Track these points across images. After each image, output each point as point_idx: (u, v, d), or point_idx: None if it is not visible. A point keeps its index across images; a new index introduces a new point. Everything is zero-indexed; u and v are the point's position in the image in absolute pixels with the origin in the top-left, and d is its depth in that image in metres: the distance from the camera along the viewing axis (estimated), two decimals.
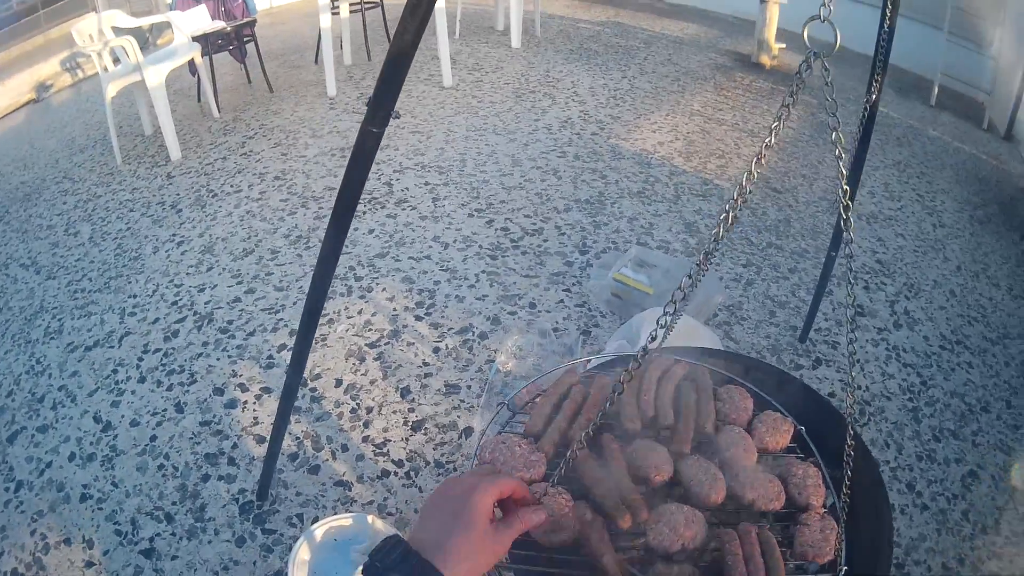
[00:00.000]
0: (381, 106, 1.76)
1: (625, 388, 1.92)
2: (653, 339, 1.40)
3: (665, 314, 1.40)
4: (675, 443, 1.80)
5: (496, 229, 4.94)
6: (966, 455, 3.55)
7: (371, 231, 4.86)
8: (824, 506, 1.71)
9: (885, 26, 2.90)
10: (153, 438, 3.27)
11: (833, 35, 1.29)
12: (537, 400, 1.97)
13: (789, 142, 6.94)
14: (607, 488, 1.64)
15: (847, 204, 1.42)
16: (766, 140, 1.34)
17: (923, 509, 3.21)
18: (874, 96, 3.15)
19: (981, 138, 8.38)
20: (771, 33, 9.53)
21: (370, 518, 2.28)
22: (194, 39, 6.70)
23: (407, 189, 5.45)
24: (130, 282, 4.45)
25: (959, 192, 6.53)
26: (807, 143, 7.03)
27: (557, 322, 4.05)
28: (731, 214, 1.33)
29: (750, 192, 1.35)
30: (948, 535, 3.11)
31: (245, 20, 7.47)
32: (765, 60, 9.63)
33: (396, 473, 3.10)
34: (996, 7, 9.35)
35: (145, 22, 7.12)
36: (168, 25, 7.58)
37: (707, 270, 1.40)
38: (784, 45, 9.71)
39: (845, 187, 1.38)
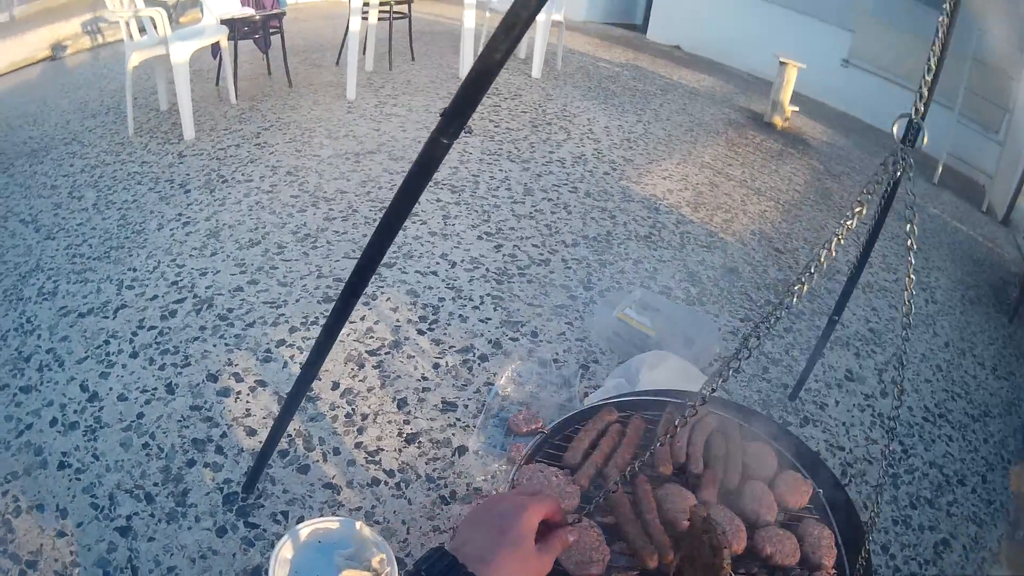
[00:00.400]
0: (457, 119, 1.74)
1: (660, 432, 1.97)
2: (713, 390, 1.45)
3: (729, 365, 1.41)
4: (703, 491, 1.86)
5: (504, 254, 4.93)
6: (940, 523, 3.63)
7: None
8: (834, 567, 1.76)
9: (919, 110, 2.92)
10: (140, 415, 3.22)
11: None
12: (576, 434, 2.01)
13: (794, 204, 7.04)
14: (637, 527, 1.69)
15: (909, 308, 1.47)
16: (847, 222, 1.38)
17: (895, 571, 3.28)
18: (899, 173, 3.16)
19: (979, 220, 8.58)
20: (786, 95, 9.64)
21: (358, 524, 2.23)
22: (222, 22, 6.69)
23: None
24: (131, 255, 4.41)
25: (953, 271, 6.67)
26: (812, 206, 7.12)
27: (557, 353, 4.05)
28: (804, 286, 1.35)
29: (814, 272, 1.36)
30: None
31: (274, 11, 7.48)
32: (777, 121, 9.72)
33: (387, 483, 3.06)
34: (1006, 93, 9.48)
35: None
36: (193, 4, 7.57)
37: (763, 337, 1.42)
38: (797, 108, 9.83)
39: (911, 288, 1.42)
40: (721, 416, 2.17)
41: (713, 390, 1.44)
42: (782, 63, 9.49)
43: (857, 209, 1.38)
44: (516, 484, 1.76)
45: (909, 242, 1.39)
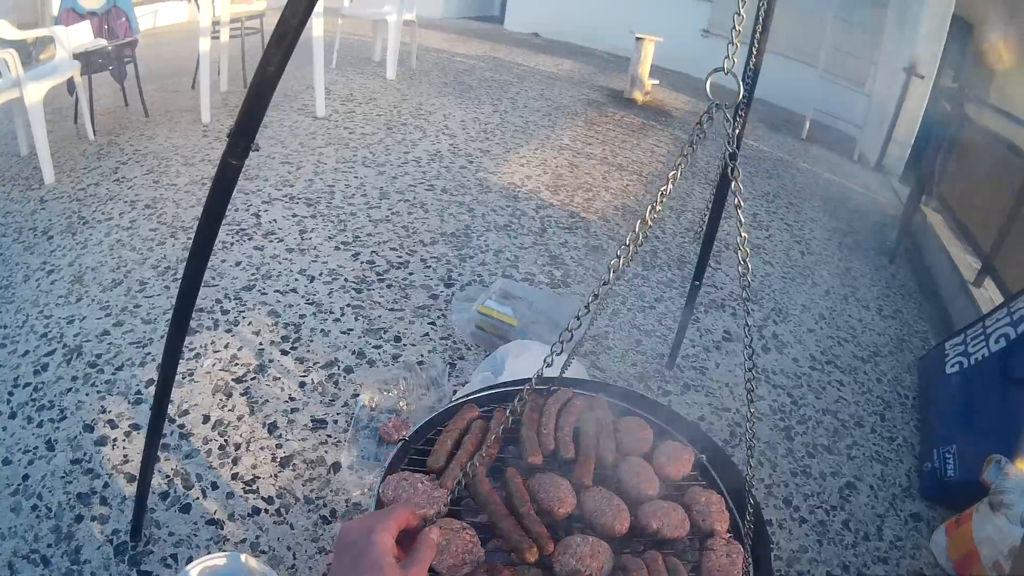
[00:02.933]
0: (242, 138, 1.79)
1: (526, 422, 2.00)
2: (539, 375, 1.52)
3: (558, 344, 1.52)
4: (577, 475, 1.87)
5: (362, 262, 5.03)
6: (842, 468, 3.78)
7: (238, 263, 4.89)
8: (728, 531, 1.79)
9: (751, 64, 3.14)
10: (26, 476, 3.24)
11: (736, 86, 1.44)
12: (439, 436, 1.98)
13: (657, 175, 7.22)
14: (512, 522, 1.68)
15: (746, 252, 1.54)
16: (662, 188, 1.47)
17: (801, 522, 3.40)
18: (738, 130, 3.38)
19: (852, 169, 8.93)
20: (645, 69, 9.86)
21: (243, 557, 2.31)
22: (76, 56, 6.61)
23: (275, 221, 5.50)
24: (0, 312, 4.40)
25: (828, 221, 6.94)
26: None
27: (423, 355, 4.16)
28: (622, 259, 1.47)
29: (641, 240, 1.49)
30: (830, 545, 3.30)
31: (127, 40, 7.39)
32: (638, 96, 9.96)
33: (267, 510, 3.13)
34: (871, 46, 9.87)
35: (30, 35, 6.99)
36: (51, 40, 7.49)
37: (599, 309, 1.50)
38: (657, 81, 10.04)
39: (743, 234, 1.49)
40: (589, 397, 2.18)
41: (539, 375, 1.50)
42: (638, 39, 9.73)
43: (671, 173, 1.48)
44: (383, 496, 1.70)
45: (737, 200, 1.47)
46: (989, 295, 5.41)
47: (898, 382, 4.65)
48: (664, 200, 1.51)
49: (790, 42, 11.02)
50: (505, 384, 2.39)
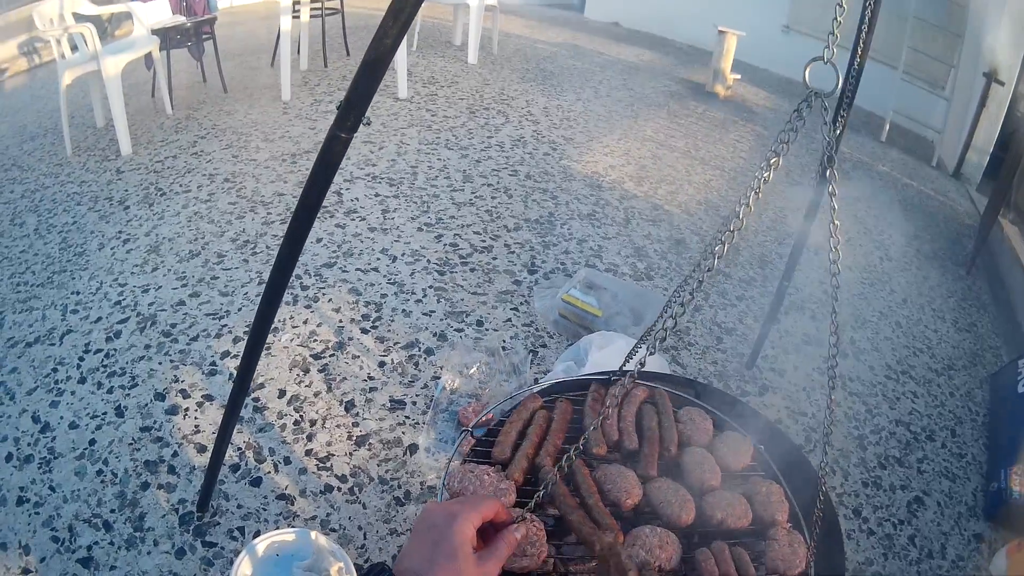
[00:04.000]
0: (353, 111, 1.74)
1: (589, 413, 1.98)
2: (642, 365, 1.43)
3: (647, 341, 1.41)
4: (642, 467, 1.83)
5: (445, 244, 4.94)
6: (911, 482, 3.65)
7: (319, 240, 4.83)
8: (788, 520, 1.75)
9: (855, 65, 2.98)
10: (92, 442, 3.20)
11: (835, 77, 1.31)
12: (502, 427, 1.96)
13: (740, 171, 7.07)
14: (581, 515, 1.64)
15: (837, 254, 1.47)
16: (762, 176, 1.39)
17: (869, 534, 3.29)
18: (838, 130, 3.23)
19: (929, 175, 8.63)
20: (727, 63, 9.67)
21: (313, 534, 2.24)
22: (153, 32, 6.62)
23: (357, 199, 5.43)
24: (74, 278, 4.37)
25: (906, 227, 6.70)
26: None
27: (505, 341, 4.06)
28: (725, 245, 1.36)
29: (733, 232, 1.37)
30: (895, 559, 3.20)
31: (205, 17, 7.43)
32: (719, 90, 9.77)
33: (339, 488, 3.06)
34: (950, 49, 9.60)
35: (106, 10, 7.01)
36: (128, 16, 7.49)
37: (691, 302, 1.42)
38: (739, 76, 9.86)
39: (836, 222, 1.40)
40: (648, 387, 2.15)
41: (642, 365, 1.43)
42: (721, 32, 9.55)
43: (772, 160, 1.39)
44: (448, 488, 1.69)
45: (830, 187, 1.39)
46: None
47: (970, 397, 4.48)
48: (758, 197, 1.44)
49: (871, 41, 10.76)
50: (577, 376, 2.39)
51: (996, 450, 4.00)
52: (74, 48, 6.04)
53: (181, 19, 7.11)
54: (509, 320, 4.25)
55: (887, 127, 9.77)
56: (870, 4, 2.69)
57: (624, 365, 2.23)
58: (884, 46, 10.21)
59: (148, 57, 6.66)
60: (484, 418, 3.06)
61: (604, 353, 3.39)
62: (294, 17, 7.46)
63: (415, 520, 1.10)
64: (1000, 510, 3.54)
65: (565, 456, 1.45)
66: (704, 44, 11.42)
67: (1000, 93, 8.31)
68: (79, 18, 6.12)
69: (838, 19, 1.27)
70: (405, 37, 5.41)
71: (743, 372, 4.17)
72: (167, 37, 6.89)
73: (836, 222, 1.39)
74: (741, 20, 10.05)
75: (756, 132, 8.63)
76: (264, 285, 4.16)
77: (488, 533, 1.22)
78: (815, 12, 11.30)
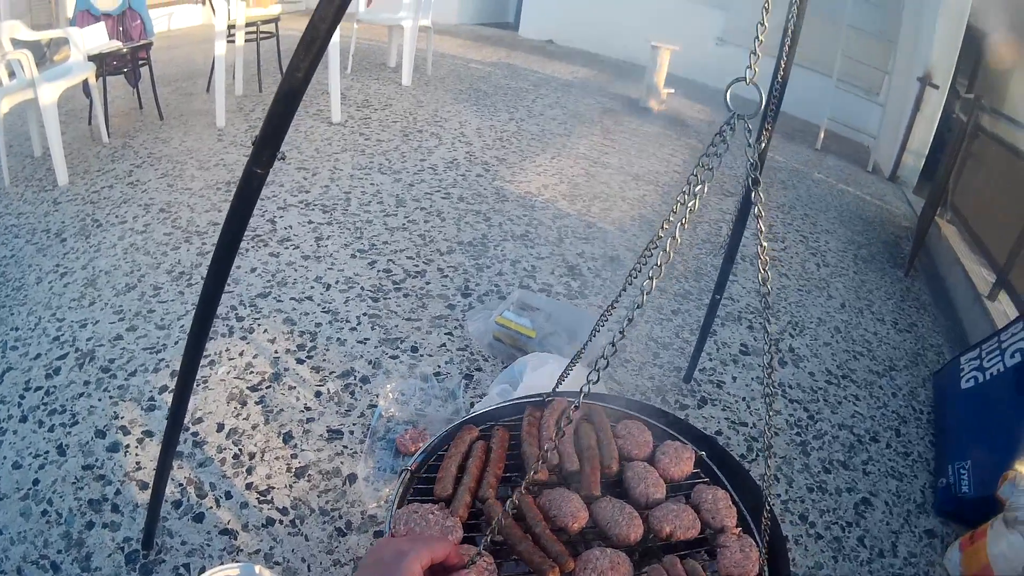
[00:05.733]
0: (267, 146, 1.75)
1: (526, 438, 1.99)
2: (581, 391, 1.48)
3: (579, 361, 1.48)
4: (585, 487, 1.87)
5: (378, 270, 4.99)
6: (858, 484, 3.75)
7: (253, 269, 4.86)
8: (737, 525, 1.82)
9: (779, 78, 3.08)
10: (36, 482, 3.21)
11: (758, 98, 1.40)
12: (441, 463, 1.96)
13: (674, 186, 7.15)
14: (529, 544, 1.69)
15: (765, 260, 1.57)
16: (689, 204, 1.47)
17: (817, 538, 3.37)
18: (763, 145, 3.34)
19: (866, 180, 8.88)
20: (661, 78, 9.85)
21: (257, 568, 2.25)
22: (90, 58, 6.60)
23: (290, 227, 5.46)
24: (12, 314, 4.36)
25: (843, 232, 6.89)
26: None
27: (440, 366, 4.11)
28: (653, 281, 1.43)
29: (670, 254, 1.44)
30: (845, 561, 3.28)
31: (141, 42, 7.39)
32: (654, 104, 9.94)
33: (281, 521, 3.10)
34: (884, 55, 9.85)
35: (44, 36, 6.97)
36: (66, 42, 7.47)
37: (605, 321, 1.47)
38: (673, 90, 10.01)
39: (764, 243, 1.50)
40: (585, 404, 2.08)
41: (585, 394, 1.48)
42: (654, 47, 9.71)
43: (697, 188, 1.47)
44: (393, 531, 1.70)
45: (756, 209, 1.46)
46: (1004, 309, 5.35)
47: (913, 396, 4.61)
48: (690, 216, 1.51)
49: (803, 51, 10.97)
50: (507, 401, 2.36)
51: (943, 446, 4.11)
52: (12, 74, 6.02)
53: (117, 44, 7.08)
54: (444, 345, 4.31)
55: (822, 135, 10.03)
56: (792, 18, 2.80)
57: (557, 386, 2.26)
58: (819, 55, 10.47)
59: (85, 84, 6.63)
60: (422, 444, 3.12)
61: (538, 374, 3.44)
62: (229, 41, 7.48)
63: (366, 552, 1.13)
64: (950, 504, 3.65)
65: (514, 493, 1.48)
66: (638, 59, 11.56)
67: (934, 96, 8.59)
68: (17, 44, 6.07)
69: (760, 37, 1.37)
70: (339, 61, 5.43)
71: (681, 386, 4.25)
72: (104, 63, 6.86)
73: (763, 243, 1.49)
74: (675, 34, 10.23)
75: (690, 145, 8.80)
76: None
77: (438, 573, 1.23)
78: (749, 24, 11.52)
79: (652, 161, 7.85)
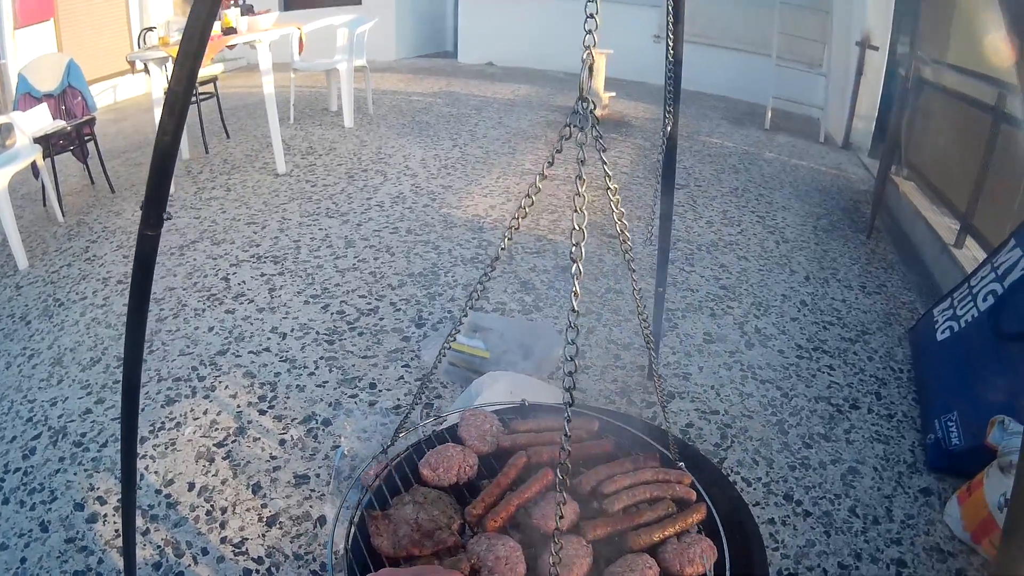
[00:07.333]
0: (153, 208, 1.84)
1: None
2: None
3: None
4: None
5: (332, 313, 5.10)
6: (842, 454, 3.77)
7: (211, 328, 4.97)
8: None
9: (670, 56, 3.21)
10: (23, 560, 3.30)
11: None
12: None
13: (622, 187, 7.25)
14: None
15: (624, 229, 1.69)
16: (524, 205, 1.65)
17: (806, 516, 3.38)
18: (669, 128, 3.47)
19: (819, 151, 9.00)
20: (599, 84, 9.91)
21: None
22: (36, 140, 6.69)
23: (244, 282, 5.58)
24: None
25: (800, 206, 6.99)
26: (641, 184, 7.42)
27: (399, 399, 4.22)
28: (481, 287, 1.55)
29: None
30: (838, 534, 3.28)
31: (84, 118, 7.46)
32: (596, 111, 10.04)
33: (258, 571, 3.18)
34: (821, 26, 10.00)
35: None
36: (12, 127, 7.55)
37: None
38: (614, 93, 10.09)
39: (579, 245, 1.51)
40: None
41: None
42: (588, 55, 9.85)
43: (535, 190, 1.63)
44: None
45: (576, 201, 1.51)
46: (972, 254, 5.36)
47: (891, 357, 4.64)
48: (532, 200, 1.69)
49: (742, 35, 11.20)
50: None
51: (927, 402, 4.11)
52: None
53: (61, 123, 7.16)
54: (402, 378, 4.42)
55: (769, 114, 10.15)
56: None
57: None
58: (756, 37, 10.64)
59: (34, 166, 6.69)
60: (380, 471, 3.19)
61: (492, 391, 3.56)
62: None
63: None
64: (942, 459, 3.63)
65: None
66: (577, 70, 11.68)
67: (875, 58, 8.67)
68: None
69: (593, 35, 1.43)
70: (276, 113, 5.56)
71: (646, 384, 4.31)
72: (50, 143, 6.95)
73: (578, 227, 1.50)
74: (611, 38, 10.31)
75: (636, 145, 8.94)
76: (162, 381, 4.33)
77: None
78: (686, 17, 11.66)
79: (599, 166, 7.90)
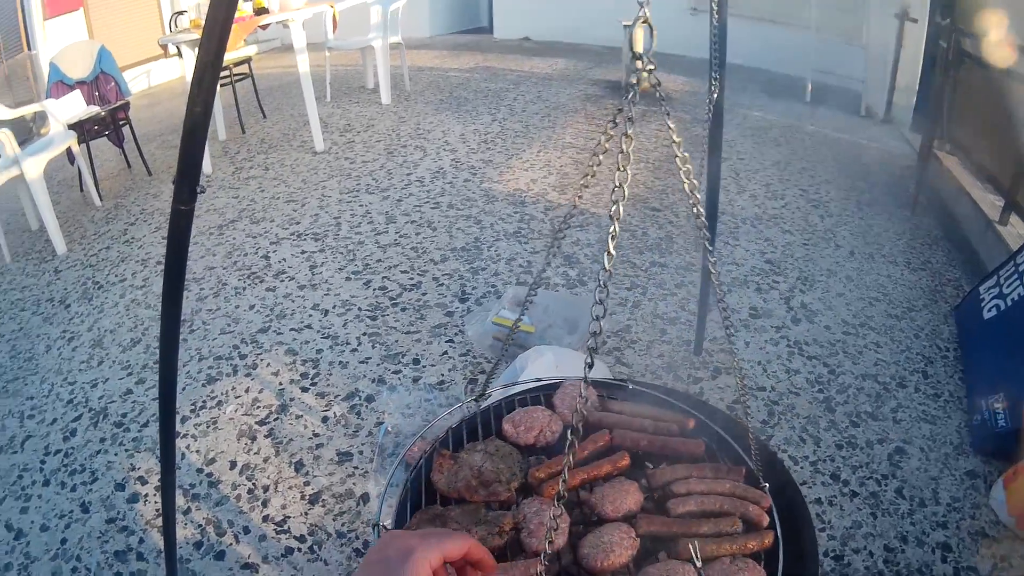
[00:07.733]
0: (185, 182, 1.78)
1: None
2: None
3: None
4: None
5: (374, 289, 5.05)
6: (889, 434, 3.64)
7: (252, 307, 4.94)
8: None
9: (715, 21, 3.09)
10: (64, 541, 3.28)
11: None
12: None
13: (664, 160, 7.15)
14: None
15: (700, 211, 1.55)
16: (590, 171, 1.51)
17: (852, 496, 3.28)
18: (715, 95, 3.35)
19: (860, 125, 8.72)
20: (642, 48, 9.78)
21: None
22: (70, 126, 6.71)
23: (284, 260, 5.55)
24: (26, 384, 4.45)
25: (843, 180, 6.79)
26: None
27: (443, 375, 4.15)
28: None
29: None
30: (884, 516, 3.17)
31: (118, 103, 7.48)
32: (655, 71, 9.92)
33: (300, 549, 3.14)
34: None
35: (20, 112, 7.06)
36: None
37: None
38: (653, 66, 9.96)
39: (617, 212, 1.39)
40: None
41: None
42: (626, 27, 9.71)
43: (597, 160, 1.52)
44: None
45: (620, 159, 1.35)
46: (1017, 231, 5.15)
47: (936, 335, 4.49)
48: (587, 181, 1.59)
49: (779, 8, 10.99)
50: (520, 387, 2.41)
51: (974, 382, 3.95)
52: None
53: (95, 109, 7.17)
54: (445, 353, 4.35)
55: (809, 87, 9.95)
56: None
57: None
58: (794, 10, 10.44)
59: (70, 152, 6.71)
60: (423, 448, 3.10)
61: (537, 365, 3.48)
62: None
63: (370, 549, 1.00)
64: (988, 441, 3.50)
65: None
66: (616, 43, 11.55)
67: (915, 31, 8.46)
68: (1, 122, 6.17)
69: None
70: (312, 91, 5.48)
71: (692, 359, 4.22)
72: (84, 129, 6.98)
73: (617, 202, 1.28)
74: (650, 10, 10.23)
75: (677, 118, 8.67)
76: (203, 360, 4.29)
77: (465, 573, 1.13)
78: None
79: (640, 139, 7.80)
